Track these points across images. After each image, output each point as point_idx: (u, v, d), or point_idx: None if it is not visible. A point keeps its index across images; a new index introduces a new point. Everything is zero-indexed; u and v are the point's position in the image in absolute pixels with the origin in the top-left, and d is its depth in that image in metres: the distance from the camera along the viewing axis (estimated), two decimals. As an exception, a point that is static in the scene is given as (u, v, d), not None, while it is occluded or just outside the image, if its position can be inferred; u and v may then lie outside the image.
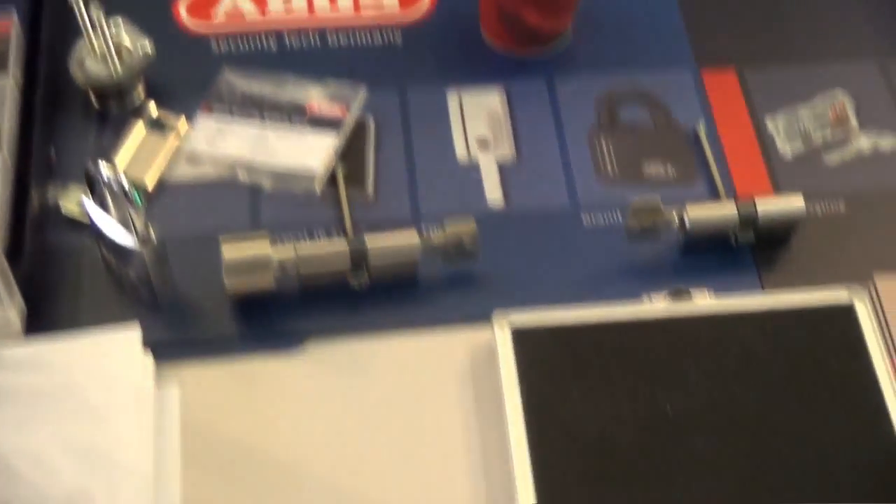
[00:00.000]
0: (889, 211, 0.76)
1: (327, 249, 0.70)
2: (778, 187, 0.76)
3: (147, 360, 0.67)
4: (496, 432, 0.65)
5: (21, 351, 0.67)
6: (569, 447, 0.64)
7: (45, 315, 0.70)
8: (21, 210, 0.71)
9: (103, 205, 0.67)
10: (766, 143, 0.79)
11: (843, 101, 0.80)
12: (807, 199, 0.73)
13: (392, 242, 0.70)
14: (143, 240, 0.67)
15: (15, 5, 0.80)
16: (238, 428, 0.67)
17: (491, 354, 0.67)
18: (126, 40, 0.78)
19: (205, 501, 0.64)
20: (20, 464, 0.64)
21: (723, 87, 0.81)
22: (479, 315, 0.69)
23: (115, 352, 0.67)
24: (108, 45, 0.77)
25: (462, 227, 0.70)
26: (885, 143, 0.78)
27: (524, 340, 0.67)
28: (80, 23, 0.75)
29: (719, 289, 0.71)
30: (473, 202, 0.76)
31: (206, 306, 0.71)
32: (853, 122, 0.79)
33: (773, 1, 0.87)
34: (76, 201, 0.72)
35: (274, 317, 0.71)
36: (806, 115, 0.79)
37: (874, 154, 0.78)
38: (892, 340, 0.68)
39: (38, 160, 0.74)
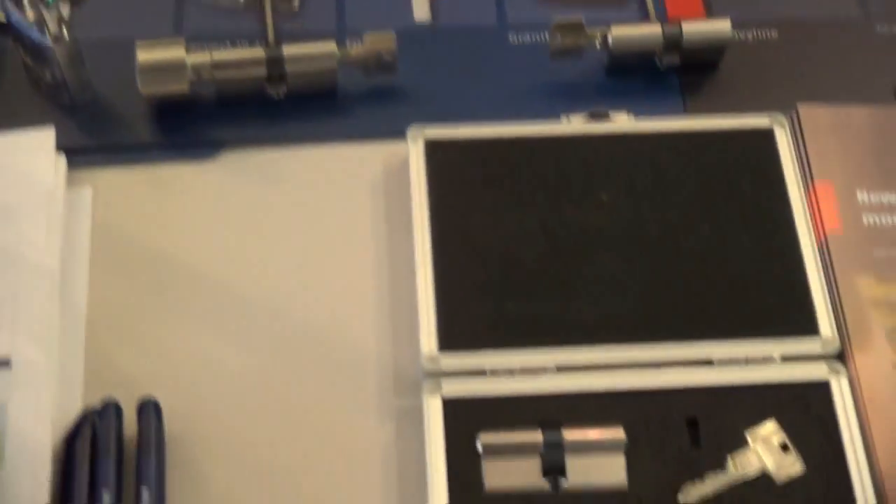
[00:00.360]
0: (820, 42, 0.75)
1: (244, 55, 0.70)
2: (711, 13, 0.75)
3: (60, 161, 0.68)
4: (406, 243, 0.65)
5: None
6: (474, 258, 0.65)
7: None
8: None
9: (18, 3, 0.67)
10: (700, -33, 0.77)
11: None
12: (739, 25, 0.73)
13: (310, 51, 0.70)
14: (56, 38, 0.67)
15: None
16: (149, 233, 0.68)
17: (405, 167, 0.67)
18: None
19: (111, 303, 0.65)
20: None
21: None
22: (397, 130, 0.69)
23: (28, 152, 0.68)
24: None
25: (381, 40, 0.70)
26: (822, -28, 0.77)
27: (438, 153, 0.68)
28: None
29: (642, 112, 0.70)
30: (400, 18, 0.75)
31: (124, 112, 0.71)
32: (792, -51, 0.78)
33: None
34: (-2, 3, 0.71)
35: (190, 125, 0.71)
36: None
37: (813, -14, 0.77)
38: (808, 169, 0.68)
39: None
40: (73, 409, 0.61)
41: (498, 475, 0.59)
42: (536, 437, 0.59)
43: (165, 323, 0.65)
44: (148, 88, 0.69)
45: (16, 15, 0.67)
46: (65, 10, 0.68)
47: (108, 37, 0.72)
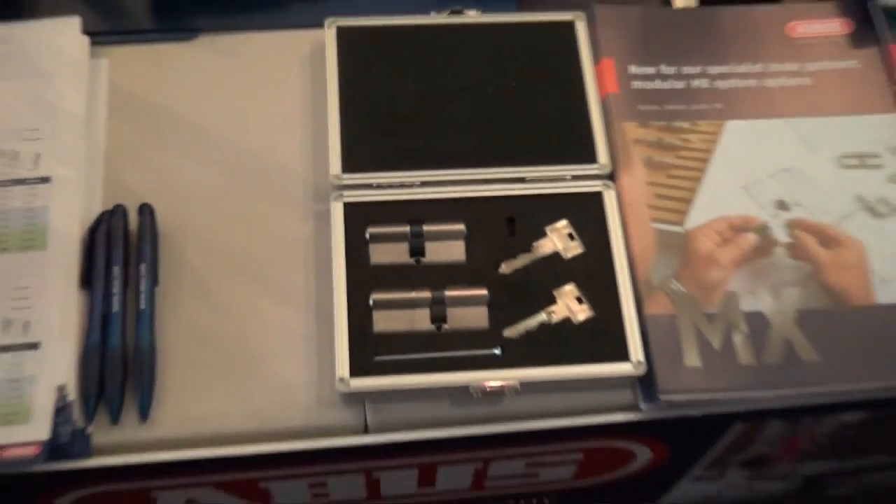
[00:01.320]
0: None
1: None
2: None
3: (83, 40, 0.68)
4: (323, 100, 0.67)
5: (-6, 29, 0.68)
6: (368, 109, 0.66)
7: (16, 9, 0.70)
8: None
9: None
10: None
11: None
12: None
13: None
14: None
15: None
16: (147, 91, 0.69)
17: (323, 50, 0.68)
18: None
19: (121, 139, 0.67)
20: (-9, 106, 0.65)
21: None
22: (318, 22, 0.69)
23: (63, 33, 0.68)
24: None
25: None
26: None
27: (347, 39, 0.69)
28: None
29: (486, 9, 0.71)
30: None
31: (130, 6, 0.72)
32: None
33: None
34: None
35: (176, 16, 0.71)
36: None
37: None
38: (598, 50, 0.70)
39: None
40: (94, 211, 0.64)
41: (378, 255, 0.62)
42: (405, 229, 0.62)
43: (157, 153, 0.67)
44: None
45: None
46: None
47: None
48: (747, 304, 0.62)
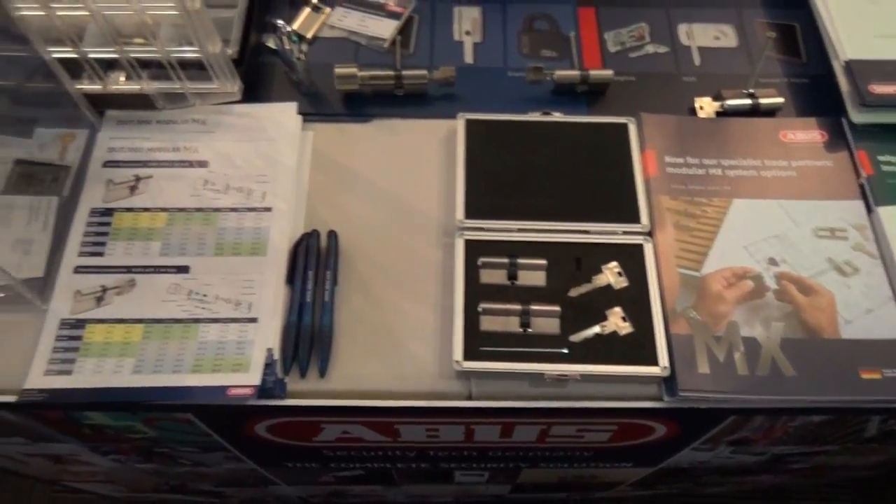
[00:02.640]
0: (654, 83, 0.69)
1: (383, 73, 0.65)
2: (605, 66, 0.69)
3: (298, 118, 0.65)
4: (453, 173, 0.61)
5: (238, 107, 0.64)
6: (483, 177, 0.61)
7: (257, 95, 0.66)
8: (246, 40, 0.66)
9: (282, 40, 0.62)
10: (603, 45, 0.71)
11: (643, 27, 0.72)
12: (617, 74, 0.67)
13: (415, 72, 0.65)
14: (299, 59, 0.63)
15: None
16: (337, 155, 0.64)
17: (455, 134, 0.63)
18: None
19: (320, 188, 0.63)
20: (236, 158, 0.62)
21: (587, 15, 0.73)
22: (452, 115, 0.64)
23: (284, 112, 0.65)
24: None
25: (449, 70, 0.65)
26: (661, 50, 0.70)
27: (472, 127, 0.63)
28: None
29: (567, 113, 0.65)
30: (459, 61, 0.69)
31: (328, 97, 0.67)
32: (647, 38, 0.71)
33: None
34: (273, 40, 0.67)
35: (358, 105, 0.67)
36: (624, 32, 0.72)
37: (654, 56, 0.70)
38: (643, 143, 0.63)
39: (258, 19, 0.69)
40: (298, 232, 0.60)
41: (485, 277, 0.57)
42: (505, 260, 0.57)
43: (342, 196, 0.62)
44: (340, 86, 0.65)
45: (281, 46, 0.63)
46: (304, 47, 0.64)
47: (321, 62, 0.68)
48: (745, 331, 0.55)
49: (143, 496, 1.08)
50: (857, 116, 0.63)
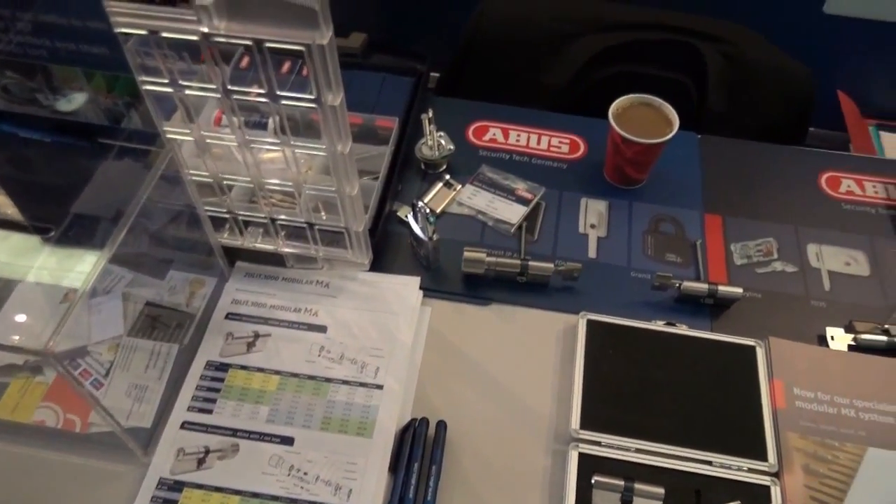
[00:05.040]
0: (781, 304, 0.68)
1: (510, 261, 0.66)
2: (731, 280, 0.69)
3: (419, 293, 0.66)
4: (569, 370, 0.61)
5: (365, 275, 0.67)
6: (602, 384, 0.60)
7: (380, 263, 0.68)
8: (381, 212, 0.69)
9: (415, 217, 0.65)
10: (728, 256, 0.71)
11: (771, 243, 0.72)
12: (744, 289, 0.66)
13: (541, 265, 0.66)
14: (430, 238, 0.65)
15: (397, 116, 0.76)
16: (454, 335, 0.65)
17: (574, 331, 0.63)
18: (443, 141, 0.75)
19: (433, 366, 0.63)
20: (354, 328, 0.63)
21: (713, 223, 0.74)
22: (575, 310, 0.64)
23: (406, 286, 0.66)
24: (435, 142, 0.74)
25: (574, 266, 0.66)
26: (789, 269, 0.70)
27: (592, 328, 0.63)
28: (424, 129, 0.73)
29: (691, 325, 0.65)
30: (582, 254, 0.71)
31: (449, 275, 0.68)
32: (775, 254, 0.71)
33: (747, 183, 0.77)
34: (405, 213, 0.70)
35: (478, 287, 0.68)
36: (751, 245, 0.72)
37: (782, 273, 0.70)
38: (770, 370, 0.61)
39: (392, 190, 0.72)
40: (406, 416, 0.59)
41: (598, 499, 0.54)
42: (621, 483, 0.54)
43: (453, 379, 0.62)
44: (465, 269, 0.67)
45: (413, 221, 0.65)
46: (433, 223, 0.66)
47: (446, 238, 0.70)
48: None
49: None
50: None
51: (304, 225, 0.61)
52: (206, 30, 0.44)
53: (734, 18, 0.92)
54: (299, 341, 0.62)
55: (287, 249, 0.64)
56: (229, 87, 0.49)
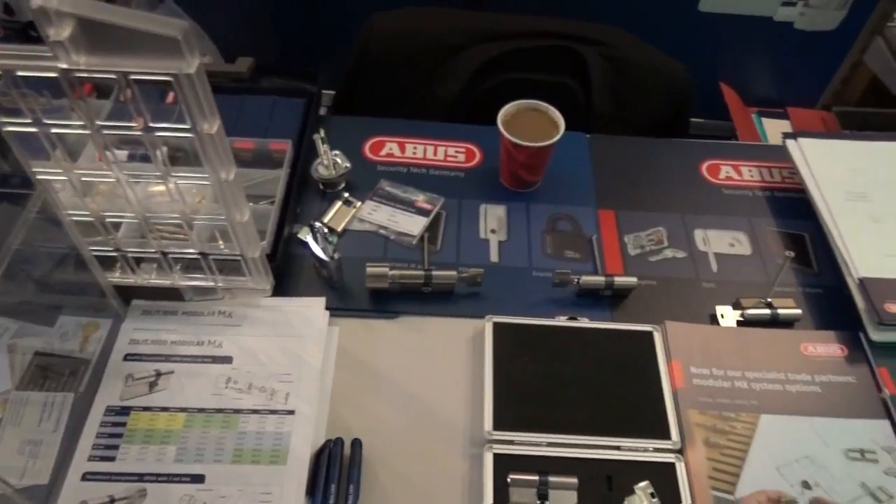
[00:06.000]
0: (674, 290, 0.72)
1: (413, 273, 0.67)
2: (627, 270, 0.72)
3: (325, 314, 0.66)
4: (480, 378, 0.62)
5: (268, 301, 0.66)
6: (512, 384, 0.62)
7: (284, 287, 0.68)
8: (280, 235, 0.69)
9: (315, 238, 0.65)
10: (623, 248, 0.75)
11: (661, 232, 0.76)
12: (640, 279, 0.69)
13: (445, 273, 0.68)
14: (331, 257, 0.65)
15: (290, 139, 0.76)
16: (363, 352, 0.65)
17: (482, 335, 0.65)
18: (339, 160, 0.75)
19: (344, 388, 0.63)
20: (261, 355, 0.62)
21: (607, 218, 0.77)
22: (481, 314, 0.66)
23: (312, 308, 0.66)
24: (331, 161, 0.74)
25: (476, 271, 0.68)
26: (679, 255, 0.74)
27: (499, 330, 0.65)
28: (318, 149, 0.73)
29: (593, 318, 0.67)
30: (485, 259, 0.72)
31: (355, 292, 0.69)
32: (666, 242, 0.75)
33: (636, 177, 0.81)
34: (306, 234, 0.69)
35: (385, 302, 0.68)
36: (643, 236, 0.76)
37: (673, 260, 0.74)
38: (668, 353, 0.64)
39: (291, 212, 0.72)
40: (320, 439, 0.59)
41: (516, 496, 0.55)
42: (536, 478, 0.56)
43: (366, 397, 0.62)
44: (369, 284, 0.67)
45: (312, 242, 0.65)
46: (333, 242, 0.66)
47: (349, 255, 0.70)
48: (787, 568, 0.53)
49: None
50: (876, 334, 0.66)
51: (198, 256, 0.60)
52: (65, 66, 0.43)
53: (618, 22, 0.97)
54: (204, 375, 0.60)
55: (184, 283, 0.62)
56: (98, 122, 0.47)
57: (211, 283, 0.62)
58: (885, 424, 0.62)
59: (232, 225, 0.55)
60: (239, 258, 0.60)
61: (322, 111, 1.01)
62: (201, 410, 0.58)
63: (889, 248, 0.71)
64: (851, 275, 0.69)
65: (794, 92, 1.76)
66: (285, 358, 0.62)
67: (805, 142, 0.80)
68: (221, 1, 1.52)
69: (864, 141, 0.81)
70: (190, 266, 0.62)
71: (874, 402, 0.64)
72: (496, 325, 0.65)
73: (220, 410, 0.58)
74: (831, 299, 0.71)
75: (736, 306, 0.69)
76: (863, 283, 0.68)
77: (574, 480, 0.56)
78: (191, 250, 0.59)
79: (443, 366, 0.64)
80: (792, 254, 0.67)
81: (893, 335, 0.65)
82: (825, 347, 0.67)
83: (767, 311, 0.69)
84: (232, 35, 1.49)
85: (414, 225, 0.73)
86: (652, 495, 0.56)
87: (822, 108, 1.76)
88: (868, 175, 0.77)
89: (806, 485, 0.58)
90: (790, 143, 0.81)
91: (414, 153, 0.81)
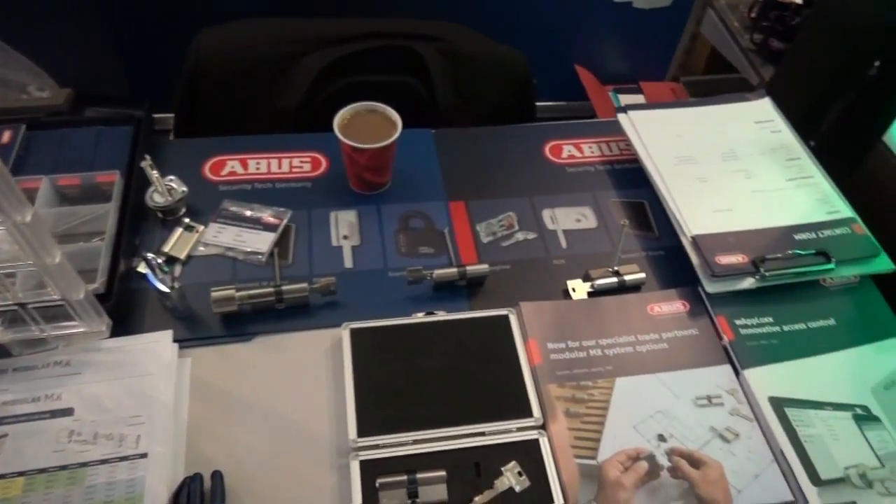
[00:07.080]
0: (531, 270, 0.74)
1: (263, 290, 0.66)
2: (481, 258, 0.74)
3: (174, 347, 0.64)
4: (342, 387, 0.62)
5: (110, 342, 0.63)
6: (373, 387, 0.62)
7: (128, 325, 0.65)
8: (114, 272, 0.66)
9: (153, 270, 0.62)
10: (476, 236, 0.76)
11: (511, 216, 0.78)
12: (492, 265, 0.71)
13: (295, 286, 0.67)
14: (171, 287, 0.63)
15: (119, 169, 0.73)
16: (219, 380, 0.63)
17: (340, 344, 0.64)
18: (175, 185, 0.73)
19: (201, 421, 0.61)
20: (105, 401, 0.59)
21: (458, 209, 0.79)
22: (339, 323, 0.65)
23: (159, 343, 0.64)
24: (164, 188, 0.71)
25: (328, 280, 0.67)
26: (530, 236, 0.77)
27: (357, 336, 0.65)
28: (150, 178, 0.70)
29: (451, 309, 0.69)
30: (339, 266, 0.72)
31: (206, 319, 0.67)
32: (516, 226, 0.77)
33: (483, 166, 0.83)
34: (143, 266, 0.66)
35: (238, 324, 0.67)
36: (494, 222, 0.78)
37: (525, 242, 0.76)
38: (525, 332, 0.67)
39: (126, 246, 0.68)
40: (178, 477, 0.57)
41: (386, 499, 0.55)
42: (404, 477, 0.56)
43: (225, 426, 0.60)
44: (217, 309, 0.65)
45: (151, 275, 0.63)
46: (176, 272, 0.64)
47: (197, 282, 0.68)
48: (648, 520, 0.56)
49: None
50: (710, 286, 0.71)
51: (16, 307, 0.56)
52: None
53: (468, 15, 0.99)
54: (43, 433, 0.57)
55: (7, 337, 0.58)
56: None
57: (38, 334, 0.59)
58: (727, 369, 0.67)
59: (43, 269, 0.52)
60: (62, 303, 0.56)
61: (170, 136, 0.97)
62: (42, 471, 0.55)
63: (715, 205, 0.76)
64: (685, 234, 0.74)
65: (645, 67, 1.87)
66: (132, 399, 0.59)
67: (634, 114, 0.85)
68: (55, 32, 1.42)
69: (687, 108, 0.87)
70: (14, 318, 0.58)
71: (716, 349, 0.68)
72: (353, 332, 0.65)
73: (63, 467, 0.55)
74: (672, 260, 0.76)
75: (585, 279, 0.73)
76: (695, 241, 0.72)
77: (442, 473, 0.57)
78: (5, 302, 0.55)
79: (303, 381, 0.63)
80: (627, 222, 0.71)
81: (726, 285, 0.71)
82: (669, 305, 0.71)
83: (614, 279, 0.72)
84: (74, 65, 1.40)
85: (262, 242, 0.71)
86: (519, 474, 0.58)
87: (671, 79, 1.87)
88: (692, 139, 0.83)
89: (661, 437, 0.62)
90: (621, 116, 0.85)
91: (258, 168, 0.79)
